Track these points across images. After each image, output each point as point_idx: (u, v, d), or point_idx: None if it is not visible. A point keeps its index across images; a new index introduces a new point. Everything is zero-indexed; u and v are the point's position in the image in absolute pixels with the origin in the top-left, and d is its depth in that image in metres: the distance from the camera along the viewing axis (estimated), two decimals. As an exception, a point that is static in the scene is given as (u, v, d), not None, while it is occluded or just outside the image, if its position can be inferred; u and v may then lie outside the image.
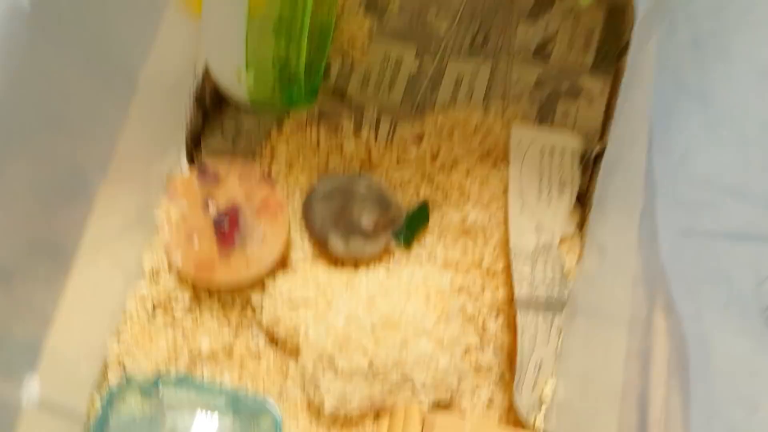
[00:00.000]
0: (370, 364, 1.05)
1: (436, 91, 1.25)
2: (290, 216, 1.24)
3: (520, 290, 1.06)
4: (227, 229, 1.15)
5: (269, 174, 1.18)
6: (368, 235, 1.11)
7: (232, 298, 1.21)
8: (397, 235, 1.25)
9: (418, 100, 1.25)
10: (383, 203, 1.11)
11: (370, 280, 1.05)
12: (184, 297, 1.15)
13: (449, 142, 1.20)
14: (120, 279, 1.16)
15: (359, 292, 1.02)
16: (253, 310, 1.21)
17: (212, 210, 1.16)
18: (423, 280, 1.05)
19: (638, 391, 0.70)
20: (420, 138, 1.27)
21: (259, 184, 1.18)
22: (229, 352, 1.20)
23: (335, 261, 1.18)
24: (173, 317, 1.11)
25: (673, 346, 0.66)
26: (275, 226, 1.16)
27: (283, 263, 1.22)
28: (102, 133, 1.09)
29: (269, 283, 1.18)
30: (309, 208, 1.23)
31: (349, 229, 1.11)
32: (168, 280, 1.15)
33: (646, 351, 0.71)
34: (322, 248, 1.16)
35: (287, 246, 1.20)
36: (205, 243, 1.14)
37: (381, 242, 1.23)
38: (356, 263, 1.17)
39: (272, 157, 1.29)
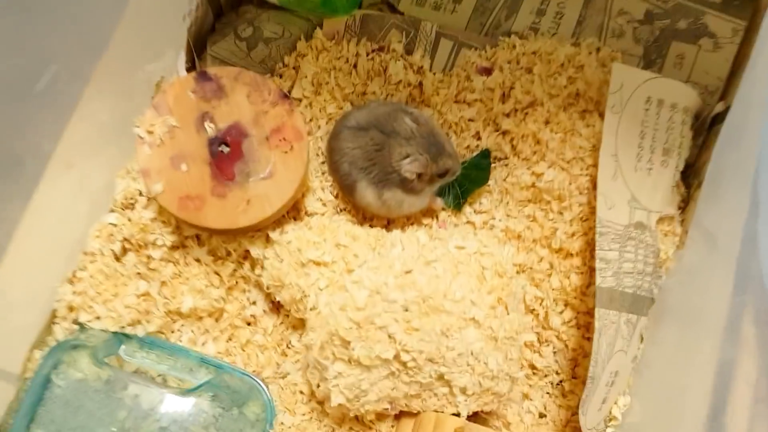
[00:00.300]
0: (397, 356, 0.77)
1: (513, 16, 1.05)
2: (310, 151, 0.96)
3: (603, 280, 0.86)
4: (226, 156, 0.87)
5: (288, 94, 0.89)
6: (409, 187, 0.91)
7: (227, 249, 0.93)
8: (446, 191, 0.97)
9: (490, 23, 1.06)
10: (432, 147, 0.90)
11: (407, 245, 0.79)
12: (165, 239, 0.89)
13: (526, 78, 1.01)
14: (84, 207, 0.89)
15: (390, 260, 0.75)
16: (252, 267, 0.94)
17: (209, 130, 0.88)
18: (475, 253, 0.86)
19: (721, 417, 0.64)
20: (489, 70, 1.08)
21: (273, 105, 0.90)
22: (217, 317, 0.95)
23: (363, 216, 1.01)
24: (148, 264, 0.93)
25: (764, 364, 0.61)
26: (289, 160, 0.88)
27: (295, 211, 0.94)
28: (92, 23, 0.83)
29: (275, 234, 0.91)
30: (336, 143, 0.94)
31: (385, 176, 0.91)
32: (145, 215, 0.89)
33: (729, 365, 0.67)
34: (348, 197, 0.97)
35: (302, 189, 0.92)
36: (196, 171, 0.87)
37: (424, 197, 0.95)
38: (390, 221, 1.01)
39: (296, 74, 1.00)
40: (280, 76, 1.05)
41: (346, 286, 0.80)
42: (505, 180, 0.99)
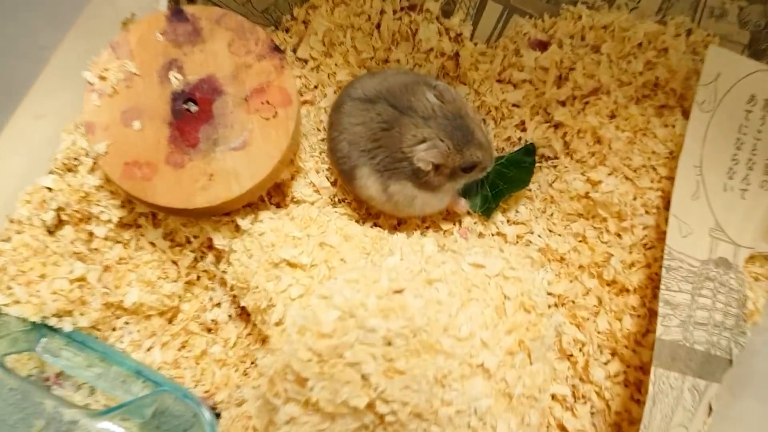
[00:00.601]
0: (371, 406, 0.57)
1: None
2: (308, 123, 0.76)
3: (666, 330, 0.69)
4: (192, 116, 0.68)
5: (280, 47, 0.70)
6: (423, 180, 0.74)
7: (187, 235, 0.74)
8: (473, 191, 0.78)
9: None
10: (457, 133, 0.73)
11: (407, 254, 0.73)
12: (111, 214, 0.72)
13: (592, 59, 0.83)
14: (21, 163, 0.71)
15: (378, 273, 0.55)
16: (217, 260, 0.75)
17: (175, 81, 0.70)
18: (497, 276, 0.69)
19: None
20: (545, 44, 0.87)
21: (259, 58, 0.71)
22: (171, 317, 0.78)
23: (367, 212, 0.84)
24: (88, 243, 0.77)
25: None
26: (270, 129, 0.69)
27: (280, 195, 0.76)
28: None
29: (246, 221, 0.72)
30: (335, 116, 0.75)
31: (393, 163, 0.74)
32: (89, 181, 0.71)
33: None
34: (347, 186, 0.80)
35: (285, 167, 0.73)
36: (151, 132, 0.69)
37: (444, 196, 0.77)
38: (400, 222, 0.84)
39: (305, 31, 0.81)
40: (287, 31, 0.86)
41: (311, 302, 0.60)
42: (551, 185, 0.82)
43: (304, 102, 0.83)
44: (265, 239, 0.72)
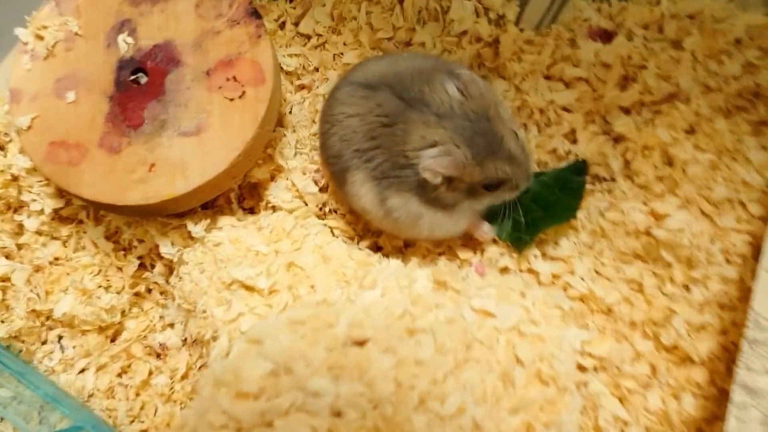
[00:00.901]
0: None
1: None
2: (295, 112, 0.61)
3: (741, 425, 0.51)
4: (139, 89, 0.55)
5: (259, 12, 0.55)
6: (432, 196, 0.58)
7: (131, 237, 0.60)
8: (501, 214, 0.62)
9: None
10: (479, 139, 0.56)
11: (390, 289, 0.54)
12: (45, 204, 0.59)
13: (669, 56, 0.66)
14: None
15: (345, 312, 0.38)
16: (169, 271, 0.60)
17: (123, 46, 0.56)
18: (512, 330, 0.53)
19: None
20: (609, 34, 0.69)
21: (231, 24, 0.57)
22: (113, 335, 0.64)
23: (360, 226, 0.68)
24: (16, 236, 0.65)
25: None
26: (234, 112, 0.56)
27: (255, 198, 0.64)
28: None
29: (199, 227, 0.58)
30: (328, 106, 0.59)
31: (394, 169, 0.58)
32: (19, 162, 0.58)
33: None
34: (338, 192, 0.65)
35: (255, 164, 0.58)
36: (86, 106, 0.57)
37: (460, 218, 0.61)
38: (408, 245, 0.68)
39: (311, 2, 0.66)
40: (291, 1, 0.71)
41: (234, 348, 0.44)
42: (603, 214, 0.66)
43: (300, 87, 0.68)
44: (222, 252, 0.57)
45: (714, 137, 0.63)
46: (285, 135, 0.64)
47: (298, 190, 0.64)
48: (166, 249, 0.60)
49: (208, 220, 0.60)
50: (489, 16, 0.70)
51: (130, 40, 0.58)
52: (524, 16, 0.71)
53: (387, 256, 0.69)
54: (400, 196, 0.59)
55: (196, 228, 0.59)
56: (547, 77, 0.70)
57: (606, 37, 0.68)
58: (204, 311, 0.57)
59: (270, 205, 0.63)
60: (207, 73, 0.57)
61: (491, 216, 0.63)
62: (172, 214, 0.59)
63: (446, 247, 0.68)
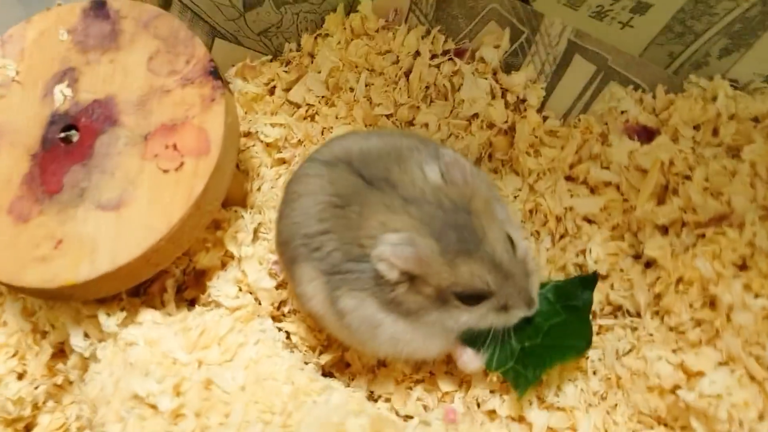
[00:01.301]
0: None
1: (739, 52, 0.57)
2: (264, 190, 0.53)
3: None
4: (66, 150, 0.48)
5: (219, 73, 0.47)
6: (390, 297, 0.45)
7: (45, 319, 0.51)
8: (486, 339, 0.48)
9: (689, 57, 0.59)
10: (451, 233, 0.45)
11: None
12: None
13: (723, 165, 0.54)
14: None
15: None
16: (84, 366, 0.51)
17: (59, 98, 0.49)
18: None
19: None
20: (651, 131, 0.58)
21: (184, 83, 0.50)
22: (22, 430, 0.52)
23: (323, 335, 0.55)
24: None
25: None
26: (167, 187, 0.48)
27: (195, 288, 0.55)
28: None
29: (111, 321, 0.48)
30: (289, 184, 0.49)
31: (347, 261, 0.46)
32: None
33: None
34: (292, 293, 0.54)
35: (182, 247, 0.49)
36: (6, 163, 0.49)
37: (430, 332, 0.48)
38: (381, 364, 0.56)
39: (308, 60, 0.58)
40: (287, 64, 0.62)
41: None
42: (621, 358, 0.53)
43: (280, 161, 0.59)
44: (133, 354, 0.47)
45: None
46: (242, 216, 0.55)
47: (246, 283, 0.53)
48: (77, 341, 0.50)
49: (125, 313, 0.50)
50: (506, 98, 0.59)
51: (68, 92, 0.50)
52: (550, 102, 0.60)
53: (353, 377, 0.57)
54: (353, 296, 0.46)
55: (108, 321, 0.49)
56: (569, 178, 0.59)
57: (646, 135, 0.56)
58: (102, 425, 0.47)
59: (213, 300, 0.54)
60: (145, 138, 0.48)
61: (471, 339, 0.50)
62: (90, 299, 0.50)
63: (427, 373, 0.55)
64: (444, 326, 0.48)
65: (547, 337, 0.51)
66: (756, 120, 0.54)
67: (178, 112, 0.49)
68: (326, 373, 0.56)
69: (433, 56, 0.62)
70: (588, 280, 0.52)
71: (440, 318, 0.47)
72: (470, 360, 0.50)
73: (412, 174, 0.46)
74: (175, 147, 0.48)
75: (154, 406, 0.47)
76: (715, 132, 0.56)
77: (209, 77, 0.50)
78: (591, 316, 0.52)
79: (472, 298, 0.46)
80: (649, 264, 0.54)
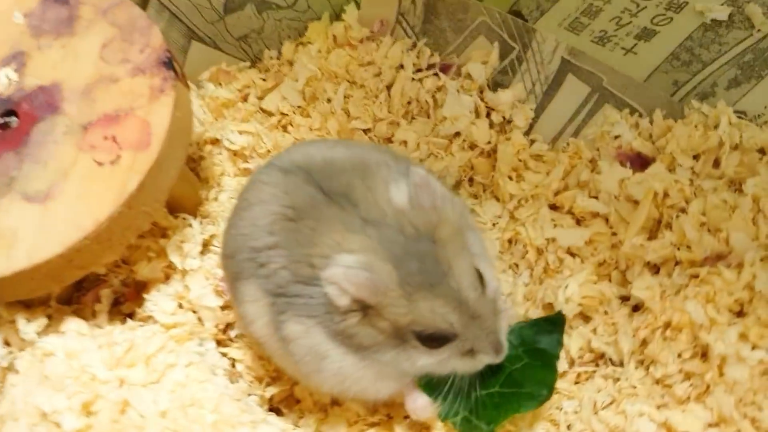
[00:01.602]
0: None
1: (750, 82, 0.54)
2: (221, 199, 0.49)
3: None
4: (3, 136, 0.46)
5: (174, 63, 0.44)
6: (339, 328, 0.40)
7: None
8: (444, 387, 0.43)
9: (695, 86, 0.56)
10: (412, 262, 0.39)
11: None
12: None
13: (724, 200, 0.49)
14: None
15: None
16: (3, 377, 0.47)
17: (4, 82, 0.47)
18: None
19: None
20: (646, 159, 0.53)
21: (134, 73, 0.47)
22: None
23: (268, 365, 0.50)
24: None
25: None
26: (98, 181, 0.45)
27: (136, 300, 0.50)
28: None
29: (31, 327, 0.45)
30: (240, 193, 0.45)
31: (295, 282, 0.41)
32: None
33: None
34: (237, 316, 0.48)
35: (113, 250, 0.45)
36: None
37: (383, 370, 0.42)
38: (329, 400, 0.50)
39: (287, 69, 0.59)
40: (265, 72, 0.60)
41: None
42: (598, 412, 0.48)
43: (244, 171, 0.55)
44: (50, 366, 0.42)
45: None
46: (190, 225, 0.50)
47: (187, 300, 0.49)
48: (-1, 351, 0.47)
49: (47, 320, 0.46)
50: (491, 118, 0.55)
51: (13, 76, 0.47)
52: (539, 125, 0.55)
53: (303, 414, 0.52)
54: (299, 322, 0.41)
55: (27, 327, 0.45)
56: (553, 206, 0.54)
57: (639, 163, 0.52)
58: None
59: (147, 314, 0.49)
60: (85, 128, 0.44)
61: (429, 385, 0.44)
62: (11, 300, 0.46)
63: (385, 416, 0.49)
64: (399, 368, 0.42)
65: (504, 384, 0.45)
66: (762, 152, 0.49)
67: (123, 102, 0.46)
68: (273, 408, 0.51)
69: (418, 70, 0.57)
70: (554, 321, 0.46)
71: (396, 358, 0.41)
72: (422, 408, 0.44)
73: (376, 192, 0.41)
74: (114, 139, 0.45)
75: (58, 425, 0.42)
76: (716, 163, 0.51)
77: (161, 68, 0.46)
78: (557, 362, 0.47)
79: (434, 340, 0.40)
80: (638, 307, 0.48)
